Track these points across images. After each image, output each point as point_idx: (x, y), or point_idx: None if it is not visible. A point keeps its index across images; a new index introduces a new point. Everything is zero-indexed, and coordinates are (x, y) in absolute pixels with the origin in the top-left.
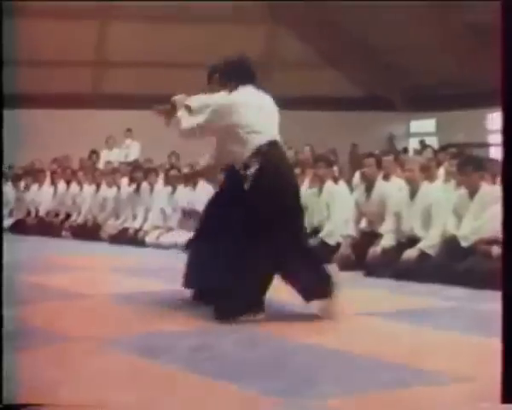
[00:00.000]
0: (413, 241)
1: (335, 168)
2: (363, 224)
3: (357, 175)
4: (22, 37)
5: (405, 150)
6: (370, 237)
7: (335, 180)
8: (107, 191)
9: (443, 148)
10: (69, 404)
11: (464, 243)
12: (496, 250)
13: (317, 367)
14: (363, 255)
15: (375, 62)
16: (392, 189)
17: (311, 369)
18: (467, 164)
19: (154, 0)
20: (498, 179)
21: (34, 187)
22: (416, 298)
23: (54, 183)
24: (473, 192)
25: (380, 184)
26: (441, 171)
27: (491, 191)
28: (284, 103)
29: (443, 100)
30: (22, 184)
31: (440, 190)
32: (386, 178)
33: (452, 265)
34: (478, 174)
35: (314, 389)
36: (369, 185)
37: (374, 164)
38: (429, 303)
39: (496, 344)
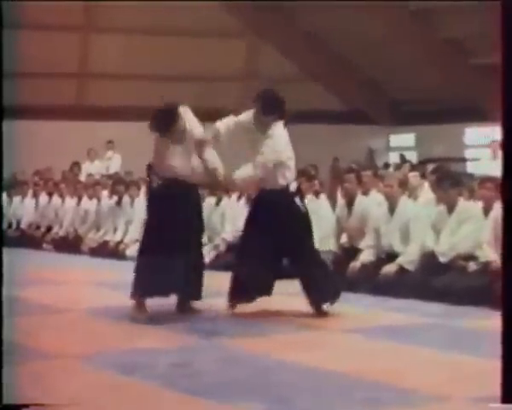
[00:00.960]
0: (392, 256)
1: (316, 182)
2: (344, 239)
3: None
4: (6, 48)
5: (387, 165)
6: (351, 252)
7: (317, 194)
8: (89, 204)
9: (421, 162)
10: (69, 404)
11: (442, 259)
12: (472, 266)
13: (295, 385)
14: (344, 271)
15: (356, 77)
16: (372, 204)
17: (289, 387)
18: (445, 180)
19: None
20: (475, 195)
21: (16, 199)
22: (395, 314)
23: (35, 195)
24: (451, 208)
25: (360, 200)
26: (426, 185)
27: (468, 207)
28: None
29: (422, 115)
30: (4, 195)
31: (419, 206)
32: (365, 193)
33: (430, 280)
34: (456, 190)
35: (291, 406)
36: (350, 201)
37: (354, 180)
38: (407, 320)
39: (473, 361)
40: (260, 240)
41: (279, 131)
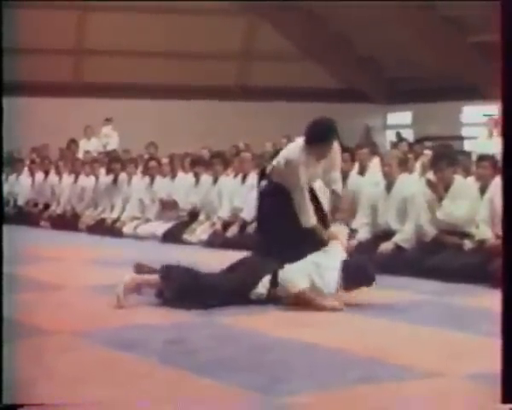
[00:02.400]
0: (389, 234)
1: None
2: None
3: None
4: (2, 25)
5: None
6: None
7: None
8: (86, 181)
9: (418, 141)
10: (69, 403)
11: (432, 232)
12: (468, 244)
13: (290, 363)
14: None
15: (353, 55)
16: (367, 182)
17: (284, 365)
18: (440, 159)
19: None
20: (473, 173)
21: (12, 176)
22: (391, 292)
23: (32, 172)
24: (447, 186)
25: (353, 179)
26: (418, 164)
27: (463, 184)
28: (262, 95)
29: (419, 93)
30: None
31: (416, 184)
32: (361, 171)
33: (426, 258)
34: (451, 168)
35: (286, 384)
36: (343, 179)
37: (348, 159)
38: (403, 297)
39: (467, 338)
40: None
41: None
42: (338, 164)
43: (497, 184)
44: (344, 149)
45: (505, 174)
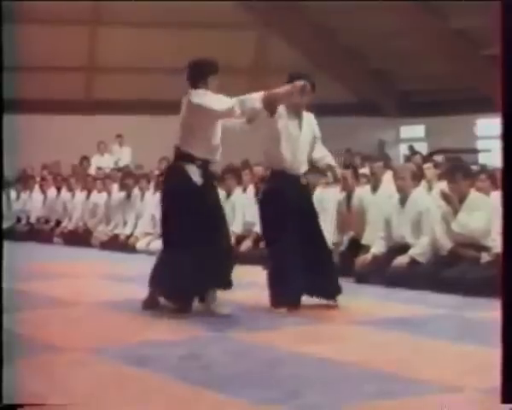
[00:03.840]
0: (403, 248)
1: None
2: (352, 232)
3: None
4: (13, 43)
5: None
6: (359, 244)
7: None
8: (98, 197)
9: (431, 154)
10: (69, 404)
11: (447, 245)
12: (485, 257)
13: (306, 378)
14: (352, 262)
15: (366, 68)
16: (378, 196)
17: (300, 379)
18: (456, 171)
19: (145, 0)
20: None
21: (25, 193)
22: (407, 306)
23: (43, 189)
24: (462, 199)
25: (358, 194)
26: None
27: (479, 197)
28: None
29: (432, 106)
30: (13, 190)
31: (430, 198)
32: (375, 185)
33: (442, 272)
34: (467, 181)
35: (302, 399)
36: (349, 195)
37: (351, 176)
38: (419, 311)
39: (484, 352)
40: None
41: None
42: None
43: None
44: (347, 166)
45: (505, 181)
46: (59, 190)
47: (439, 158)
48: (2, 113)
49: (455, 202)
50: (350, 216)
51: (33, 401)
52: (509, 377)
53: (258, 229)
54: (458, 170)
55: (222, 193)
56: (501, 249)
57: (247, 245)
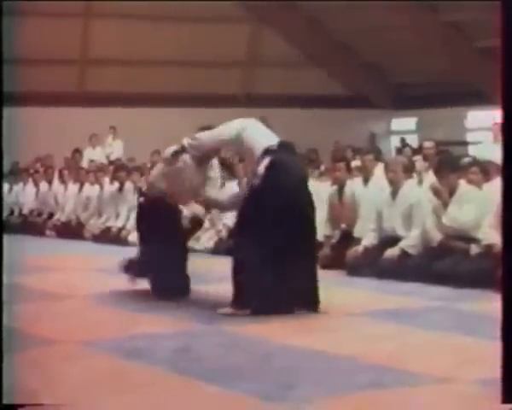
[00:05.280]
0: (394, 240)
1: (322, 167)
2: (344, 225)
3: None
4: (6, 36)
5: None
6: (350, 236)
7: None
8: (91, 190)
9: (421, 147)
10: (69, 403)
11: (438, 237)
12: (475, 249)
13: (298, 370)
14: (344, 255)
15: (358, 61)
16: (369, 189)
17: (292, 371)
18: (443, 165)
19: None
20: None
21: (18, 186)
22: (399, 298)
23: (36, 182)
24: (452, 192)
25: (350, 187)
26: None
27: (469, 190)
28: (267, 101)
29: (424, 98)
30: (5, 183)
31: (421, 191)
32: (366, 177)
33: (433, 264)
34: (455, 175)
35: (295, 391)
36: (340, 188)
37: (344, 168)
38: (411, 303)
39: (476, 344)
40: None
41: None
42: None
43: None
44: (340, 159)
45: (505, 175)
46: (51, 182)
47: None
48: (2, 107)
49: (444, 195)
50: (341, 209)
51: (27, 395)
52: (510, 377)
53: None
54: (446, 164)
55: None
56: (502, 243)
57: None
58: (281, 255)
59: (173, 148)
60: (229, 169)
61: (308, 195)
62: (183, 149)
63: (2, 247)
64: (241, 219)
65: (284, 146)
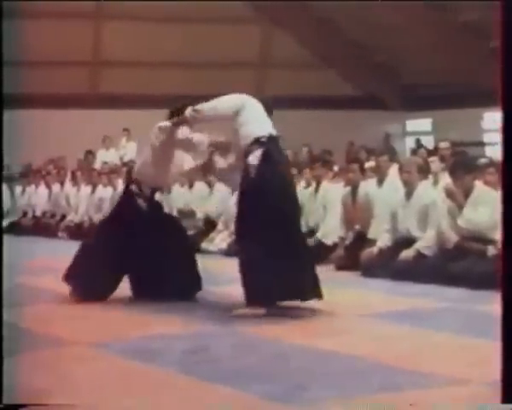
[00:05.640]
0: (409, 241)
1: (335, 168)
2: (358, 226)
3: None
4: (18, 38)
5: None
6: (365, 238)
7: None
8: (104, 192)
9: (436, 148)
10: (70, 404)
11: (454, 238)
12: (491, 251)
13: (312, 371)
14: (357, 256)
15: (371, 62)
16: (383, 190)
17: (306, 373)
18: (458, 167)
19: (150, 0)
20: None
21: (30, 188)
22: (413, 299)
23: (48, 184)
24: (467, 193)
25: (364, 188)
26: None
27: (485, 191)
28: (280, 103)
29: (439, 99)
30: (18, 185)
31: (436, 192)
32: (381, 179)
33: (448, 265)
34: (470, 176)
35: (308, 392)
36: (354, 189)
37: (357, 169)
38: (426, 304)
39: (492, 346)
40: None
41: None
42: None
43: None
44: (353, 160)
45: (505, 176)
46: (63, 184)
47: (445, 150)
48: (2, 109)
49: (459, 197)
50: (355, 210)
51: (37, 395)
52: (510, 377)
53: None
54: (461, 165)
55: (226, 188)
56: (502, 243)
57: None
58: (281, 251)
59: (171, 121)
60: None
61: (295, 191)
62: (184, 120)
63: (2, 247)
64: (243, 217)
65: (273, 139)
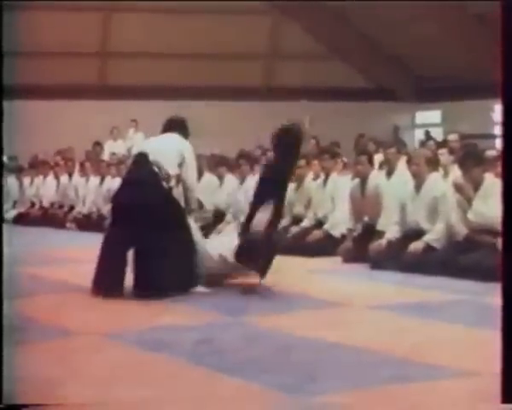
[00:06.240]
0: (418, 234)
1: (345, 159)
2: (366, 218)
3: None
4: (28, 29)
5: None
6: (373, 230)
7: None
8: (112, 183)
9: (445, 140)
10: (70, 403)
11: (463, 231)
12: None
13: (321, 363)
14: (366, 248)
15: (381, 53)
16: (392, 182)
17: (315, 364)
18: (467, 159)
19: None
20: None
21: (38, 179)
22: (422, 291)
23: (56, 175)
24: (477, 186)
25: (373, 179)
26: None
27: (495, 183)
28: (289, 94)
29: (448, 91)
30: (26, 176)
31: (446, 184)
32: (390, 171)
33: (458, 257)
34: (480, 168)
35: (317, 384)
36: (363, 181)
37: (366, 161)
38: (435, 296)
39: (500, 338)
40: None
41: None
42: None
43: None
44: (362, 152)
45: (505, 173)
46: (71, 175)
47: (454, 143)
48: (2, 100)
49: (468, 191)
50: (364, 202)
51: (50, 385)
52: (510, 377)
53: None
54: (470, 157)
55: (233, 179)
56: (502, 243)
57: None
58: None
59: None
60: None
61: None
62: None
63: (2, 241)
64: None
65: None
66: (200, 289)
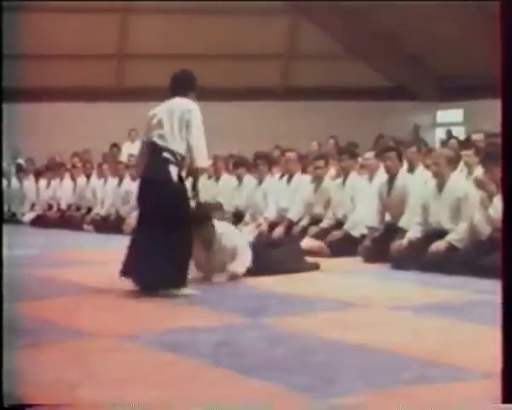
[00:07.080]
0: (440, 233)
1: (359, 160)
2: (388, 216)
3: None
4: (47, 31)
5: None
6: (395, 229)
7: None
8: (130, 185)
9: (468, 139)
10: (85, 404)
11: (486, 231)
12: None
13: (341, 364)
14: (387, 248)
15: (401, 52)
16: (416, 181)
17: (335, 366)
18: (489, 158)
19: None
20: None
21: (55, 181)
22: (444, 291)
23: (73, 177)
24: (499, 184)
25: (402, 177)
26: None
27: None
28: (307, 94)
29: (470, 89)
30: (43, 178)
31: (469, 184)
32: (411, 170)
33: (481, 258)
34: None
35: (338, 385)
36: (391, 178)
37: (395, 157)
38: (457, 296)
39: None
40: None
41: None
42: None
43: None
44: (391, 148)
45: (505, 173)
46: (89, 177)
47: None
48: (2, 101)
49: (490, 188)
50: (389, 200)
51: (66, 386)
52: (510, 377)
53: (291, 215)
54: (491, 156)
55: (252, 179)
56: (502, 242)
57: (279, 231)
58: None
59: None
60: None
61: None
62: None
63: (2, 242)
64: None
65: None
66: (186, 291)
